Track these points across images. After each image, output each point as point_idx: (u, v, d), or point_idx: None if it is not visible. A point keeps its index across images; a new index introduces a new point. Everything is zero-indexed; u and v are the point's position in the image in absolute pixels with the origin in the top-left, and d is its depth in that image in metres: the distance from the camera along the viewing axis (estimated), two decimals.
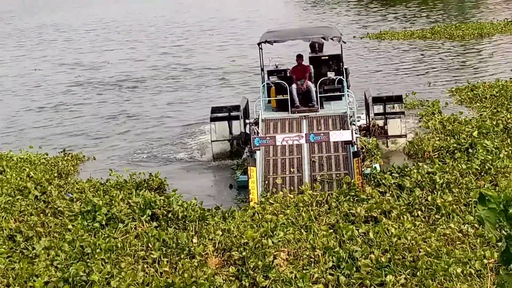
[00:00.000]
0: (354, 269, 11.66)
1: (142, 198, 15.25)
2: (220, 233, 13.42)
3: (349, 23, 50.16)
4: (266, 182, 16.74)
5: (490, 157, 16.66)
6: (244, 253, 12.34)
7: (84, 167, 20.97)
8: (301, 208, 14.75)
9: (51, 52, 46.76)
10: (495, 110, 22.14)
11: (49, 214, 15.16)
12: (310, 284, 11.30)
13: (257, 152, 16.66)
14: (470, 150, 17.80)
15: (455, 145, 18.57)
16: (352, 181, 15.73)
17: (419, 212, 13.98)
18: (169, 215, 14.71)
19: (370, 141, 19.05)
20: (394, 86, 28.95)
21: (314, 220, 14.08)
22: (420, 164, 16.43)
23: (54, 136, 25.74)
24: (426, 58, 35.32)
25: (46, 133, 26.30)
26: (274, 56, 21.72)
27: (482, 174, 15.89)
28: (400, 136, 20.17)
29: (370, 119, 20.50)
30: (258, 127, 18.46)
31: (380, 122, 20.31)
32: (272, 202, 15.41)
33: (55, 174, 19.02)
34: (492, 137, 18.64)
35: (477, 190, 14.41)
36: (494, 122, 19.97)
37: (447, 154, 18.25)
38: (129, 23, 59.47)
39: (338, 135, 16.43)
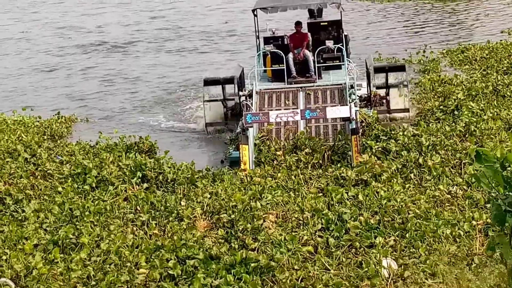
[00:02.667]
0: (343, 231, 11.67)
1: (133, 160, 15.22)
2: (208, 196, 13.43)
3: None
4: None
5: (474, 119, 16.61)
6: (232, 216, 12.36)
7: (77, 129, 20.90)
8: (293, 172, 14.70)
9: (41, 15, 46.26)
10: (484, 72, 22.09)
11: (39, 177, 15.11)
12: (300, 246, 11.31)
13: (250, 129, 15.90)
14: (456, 112, 17.72)
15: (441, 107, 18.50)
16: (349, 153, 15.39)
17: (412, 175, 13.94)
18: (160, 177, 14.68)
19: (371, 114, 17.90)
20: (390, 49, 28.78)
21: (304, 184, 14.06)
22: (405, 126, 16.34)
23: (46, 98, 25.65)
24: (418, 20, 35.11)
25: (37, 95, 26.19)
26: (270, 19, 21.11)
27: (466, 136, 15.84)
28: (402, 111, 19.31)
29: (371, 89, 19.61)
30: (252, 100, 17.91)
31: (382, 92, 19.44)
32: (263, 164, 15.39)
33: (48, 137, 18.95)
34: (481, 99, 18.61)
35: (465, 152, 14.45)
36: (484, 84, 19.90)
37: (432, 116, 18.20)
38: None
39: (336, 111, 15.65)
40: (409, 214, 12.07)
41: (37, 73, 29.81)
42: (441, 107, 18.52)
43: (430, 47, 28.23)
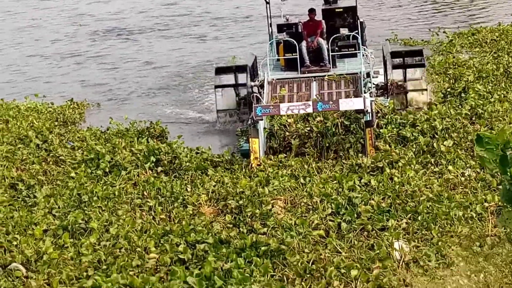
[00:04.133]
0: (355, 215, 11.60)
1: (145, 145, 15.19)
2: (214, 183, 13.36)
3: None
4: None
5: (481, 102, 16.41)
6: (240, 202, 12.29)
7: (89, 115, 20.90)
8: (306, 160, 14.50)
9: (54, 2, 46.18)
10: (495, 55, 21.83)
11: (51, 163, 15.12)
12: (310, 230, 11.24)
13: (260, 122, 15.38)
14: (462, 95, 17.48)
15: (448, 89, 18.30)
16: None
17: (428, 160, 13.77)
18: (176, 161, 14.64)
19: (387, 104, 17.13)
20: (407, 31, 28.64)
21: (317, 173, 13.83)
22: (417, 111, 16.24)
23: (58, 85, 25.65)
24: (435, 2, 34.89)
25: (50, 82, 26.19)
26: (284, 3, 20.66)
27: (474, 118, 15.67)
28: (420, 90, 18.67)
29: (388, 77, 18.92)
30: (263, 90, 17.31)
31: (399, 78, 18.82)
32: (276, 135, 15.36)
33: (61, 123, 18.92)
34: (490, 81, 18.40)
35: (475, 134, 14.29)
36: (495, 66, 19.66)
37: (439, 98, 17.98)
38: None
39: (349, 103, 15.01)
40: (421, 197, 11.96)
41: (50, 61, 29.80)
42: (449, 89, 18.29)
43: (445, 31, 27.95)
